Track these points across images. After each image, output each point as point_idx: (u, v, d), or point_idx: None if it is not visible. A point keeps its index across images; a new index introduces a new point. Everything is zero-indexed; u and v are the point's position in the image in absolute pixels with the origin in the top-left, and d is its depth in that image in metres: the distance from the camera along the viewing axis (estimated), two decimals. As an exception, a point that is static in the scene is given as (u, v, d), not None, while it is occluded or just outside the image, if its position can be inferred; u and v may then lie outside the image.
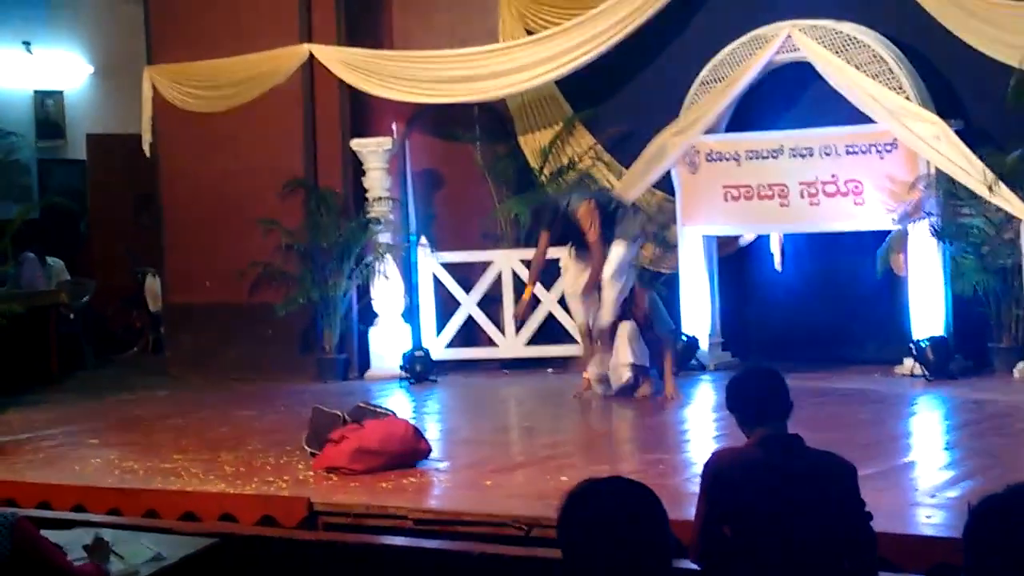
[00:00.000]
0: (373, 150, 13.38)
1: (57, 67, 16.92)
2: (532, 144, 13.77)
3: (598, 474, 3.30)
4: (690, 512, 5.52)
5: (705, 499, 5.29)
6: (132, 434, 10.77)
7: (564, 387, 12.25)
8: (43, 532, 5.19)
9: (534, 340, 13.52)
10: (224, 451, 9.63)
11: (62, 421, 11.44)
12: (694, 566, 5.39)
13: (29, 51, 16.69)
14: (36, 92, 16.90)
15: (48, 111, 17.07)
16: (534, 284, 11.72)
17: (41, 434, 10.88)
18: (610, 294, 11.11)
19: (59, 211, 15.21)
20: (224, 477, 8.73)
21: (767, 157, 12.33)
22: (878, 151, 11.82)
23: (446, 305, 13.72)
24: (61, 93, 17.12)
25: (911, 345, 11.64)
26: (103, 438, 10.66)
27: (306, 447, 9.12)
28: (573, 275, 11.39)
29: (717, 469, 5.28)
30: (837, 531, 5.12)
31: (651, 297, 11.46)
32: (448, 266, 13.71)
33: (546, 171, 13.53)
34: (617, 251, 11.11)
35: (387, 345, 13.40)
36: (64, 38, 17.06)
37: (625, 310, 11.27)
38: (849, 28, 11.91)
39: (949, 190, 11.50)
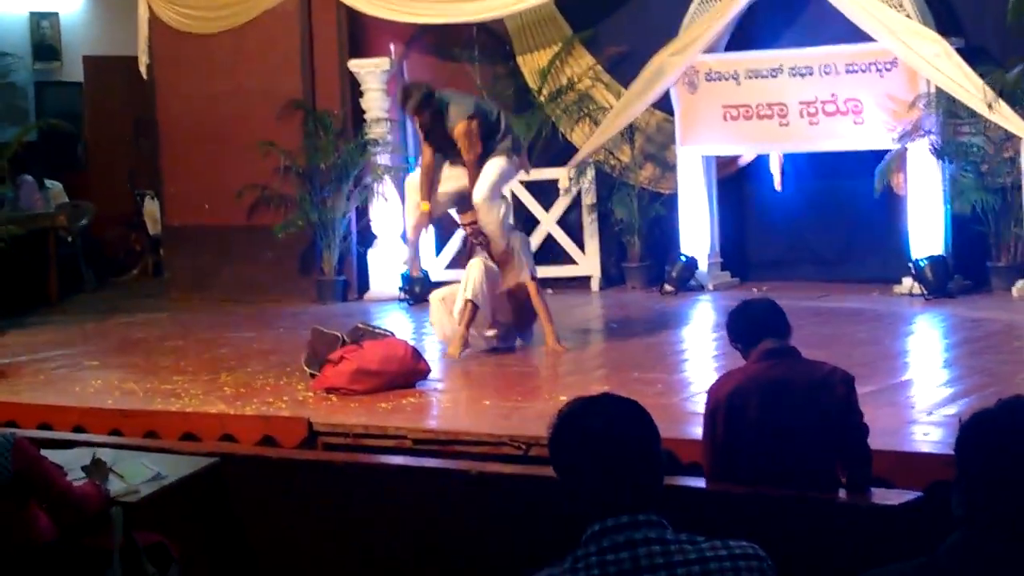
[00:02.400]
0: (371, 71, 13.33)
1: (52, -12, 16.82)
2: (531, 64, 13.69)
3: (595, 393, 3.31)
4: (689, 431, 5.56)
5: (710, 424, 5.36)
6: (132, 356, 10.81)
7: (564, 307, 12.26)
8: (43, 452, 5.22)
9: (533, 261, 13.48)
10: (224, 372, 9.66)
11: (62, 343, 11.47)
12: (690, 482, 5.46)
13: (24, -28, 16.59)
14: (32, 14, 16.80)
15: (44, 33, 16.97)
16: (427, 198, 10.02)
17: (41, 356, 10.91)
18: (491, 217, 9.79)
19: (57, 134, 15.17)
20: (224, 398, 8.77)
21: (766, 76, 12.26)
22: (878, 70, 11.76)
23: (445, 226, 13.66)
24: (57, 15, 17.01)
25: (910, 264, 11.64)
26: (103, 360, 10.69)
27: (306, 368, 9.14)
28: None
29: (720, 393, 5.35)
30: (834, 440, 5.18)
31: (520, 239, 10.33)
32: (447, 187, 13.66)
33: (545, 91, 13.46)
34: (493, 166, 9.81)
35: (386, 266, 13.40)
36: (59, -41, 16.94)
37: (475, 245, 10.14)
38: (849, -55, 11.81)
39: (949, 109, 11.45)
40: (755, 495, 5.19)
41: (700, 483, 5.51)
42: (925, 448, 6.61)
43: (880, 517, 5.10)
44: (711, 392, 5.44)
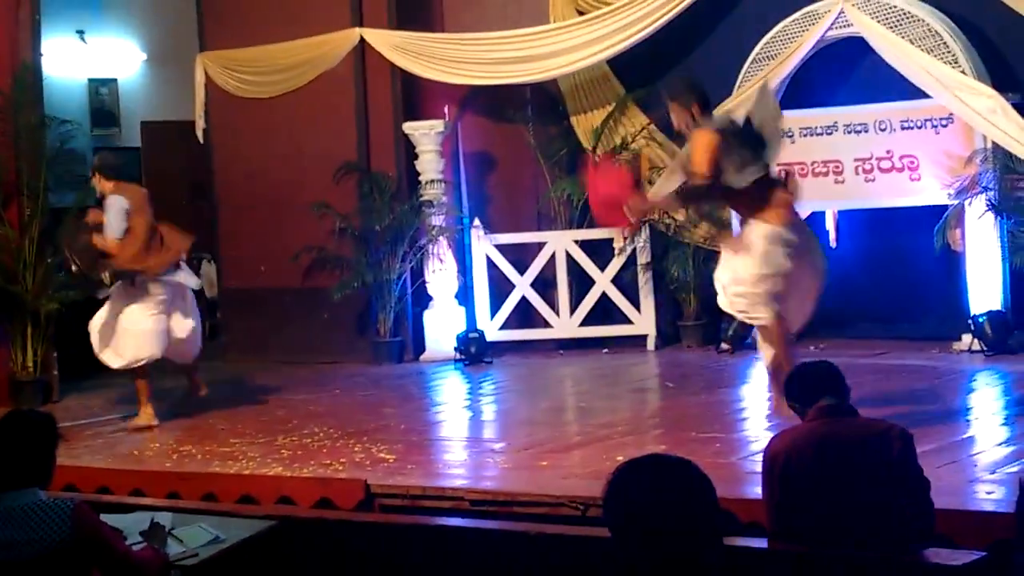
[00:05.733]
0: (425, 133, 13.39)
1: (111, 55, 17.00)
2: (584, 124, 13.73)
3: (649, 454, 3.27)
4: (747, 491, 5.52)
5: (768, 484, 5.33)
6: (189, 418, 10.84)
7: (620, 366, 12.27)
8: (102, 516, 5.23)
9: (588, 320, 13.50)
10: (281, 434, 9.69)
11: (121, 406, 11.51)
12: (749, 543, 5.41)
13: (83, 40, 16.77)
14: (90, 80, 16.98)
15: (102, 99, 17.15)
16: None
17: (100, 419, 10.99)
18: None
19: (115, 199, 15.26)
20: (281, 460, 8.79)
21: (821, 134, 12.25)
22: (933, 126, 11.73)
23: (500, 287, 13.72)
24: (115, 81, 17.19)
25: (969, 320, 11.55)
26: (161, 423, 10.72)
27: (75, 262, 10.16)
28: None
29: (775, 452, 5.33)
30: (892, 497, 5.13)
31: None
32: (502, 248, 13.70)
33: (599, 151, 13.49)
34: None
35: (442, 327, 13.41)
36: (117, 26, 17.13)
37: None
38: (902, 2, 11.78)
39: (1006, 164, 11.37)
40: (815, 555, 5.13)
41: (760, 543, 5.46)
42: (988, 507, 6.53)
43: (943, 577, 5.03)
44: (767, 450, 5.42)
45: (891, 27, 11.73)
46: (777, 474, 5.25)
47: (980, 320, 11.45)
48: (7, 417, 5.18)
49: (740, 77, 12.57)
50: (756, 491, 5.62)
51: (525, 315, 13.79)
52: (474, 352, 12.94)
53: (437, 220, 13.38)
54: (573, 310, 13.50)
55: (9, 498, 4.89)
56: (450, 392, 11.91)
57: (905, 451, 5.20)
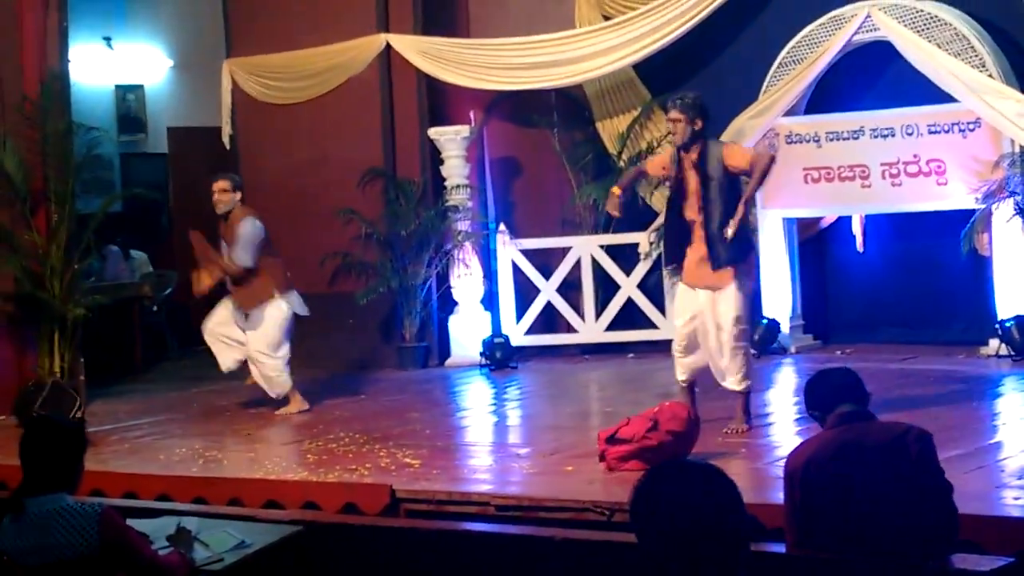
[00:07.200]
0: (451, 138, 13.41)
1: (137, 62, 17.08)
2: (610, 129, 13.73)
3: (677, 460, 3.27)
4: (773, 496, 5.49)
5: (789, 495, 5.31)
6: (215, 423, 10.87)
7: (646, 371, 12.24)
8: (129, 521, 5.24)
9: (614, 325, 13.49)
10: (306, 439, 9.70)
11: (147, 411, 11.57)
12: (774, 548, 5.39)
13: (110, 46, 16.86)
14: (117, 87, 17.07)
15: (129, 105, 17.23)
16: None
17: (126, 424, 11.02)
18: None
19: (141, 204, 15.35)
20: (307, 465, 8.80)
21: (848, 138, 12.22)
22: (961, 130, 11.69)
23: (525, 292, 13.72)
24: (142, 87, 17.28)
25: (996, 325, 11.51)
26: (187, 427, 10.77)
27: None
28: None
29: (794, 465, 5.30)
30: (913, 500, 5.10)
31: None
32: (527, 253, 13.70)
33: (624, 156, 13.48)
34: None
35: (467, 332, 13.42)
36: (144, 33, 17.21)
37: None
38: (930, 6, 11.77)
39: (1034, 168, 11.35)
40: (837, 561, 5.11)
41: (782, 549, 5.44)
42: (1015, 513, 6.51)
43: (970, 584, 5.02)
44: (788, 461, 5.39)
45: (918, 31, 11.71)
46: (798, 484, 5.22)
47: (1007, 325, 11.41)
48: (35, 422, 5.19)
49: (766, 82, 12.56)
50: (781, 496, 5.60)
51: (550, 320, 13.78)
52: (499, 357, 12.94)
53: (462, 225, 13.40)
54: (598, 315, 13.50)
55: (37, 503, 4.91)
56: (475, 397, 11.91)
57: (923, 452, 5.15)
